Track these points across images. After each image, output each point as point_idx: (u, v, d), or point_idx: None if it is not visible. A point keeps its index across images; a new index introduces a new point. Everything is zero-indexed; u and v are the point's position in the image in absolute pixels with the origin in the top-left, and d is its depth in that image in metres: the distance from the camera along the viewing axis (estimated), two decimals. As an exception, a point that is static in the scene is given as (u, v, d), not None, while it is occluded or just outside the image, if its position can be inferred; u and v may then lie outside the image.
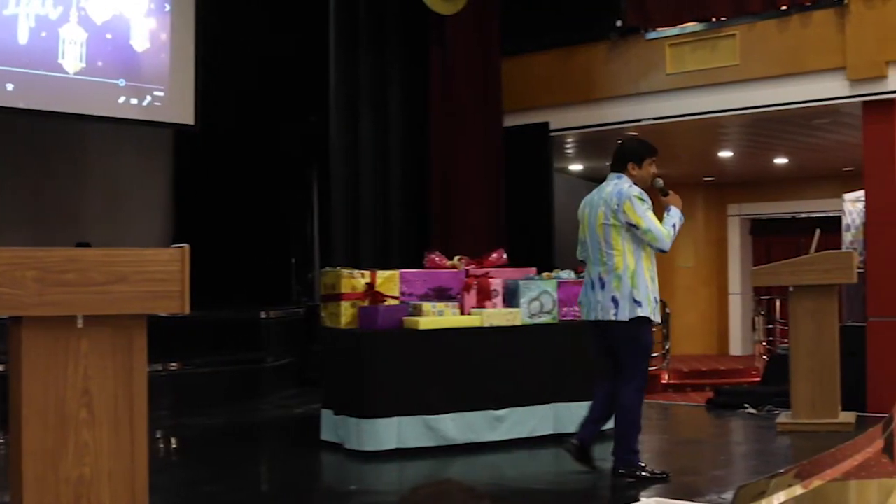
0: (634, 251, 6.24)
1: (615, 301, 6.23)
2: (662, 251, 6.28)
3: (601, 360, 6.54)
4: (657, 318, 6.35)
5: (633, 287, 6.20)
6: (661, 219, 6.30)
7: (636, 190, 6.29)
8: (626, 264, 6.22)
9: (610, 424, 6.68)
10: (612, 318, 6.24)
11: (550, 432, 7.81)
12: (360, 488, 6.67)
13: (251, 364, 10.41)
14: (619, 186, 6.33)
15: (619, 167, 6.45)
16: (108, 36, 10.55)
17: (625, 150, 6.53)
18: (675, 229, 6.30)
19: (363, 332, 7.48)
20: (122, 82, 10.61)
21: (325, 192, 11.58)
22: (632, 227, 6.22)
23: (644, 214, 6.19)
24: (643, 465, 6.45)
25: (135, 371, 3.96)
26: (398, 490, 6.74)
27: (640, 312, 6.21)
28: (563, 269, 8.35)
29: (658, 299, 6.36)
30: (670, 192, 6.48)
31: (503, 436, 7.62)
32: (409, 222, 11.29)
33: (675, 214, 6.37)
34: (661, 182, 6.50)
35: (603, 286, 6.29)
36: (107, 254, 3.92)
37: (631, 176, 6.40)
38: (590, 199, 6.49)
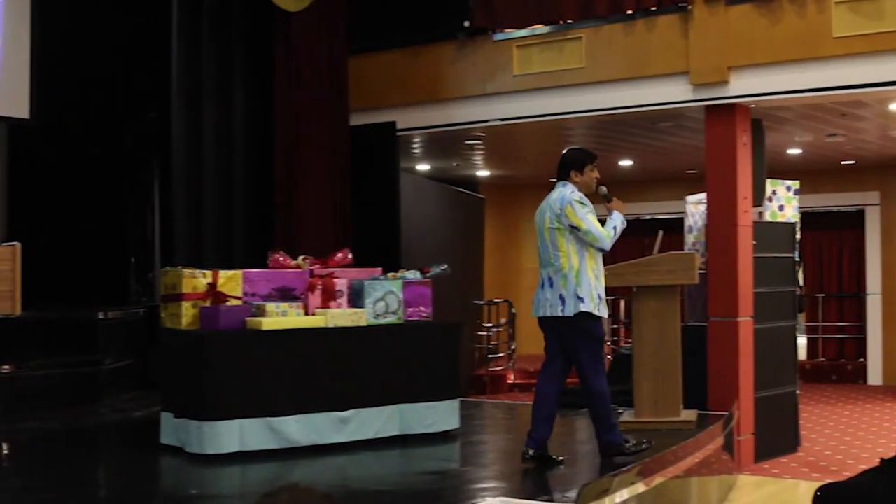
0: (578, 251, 6.76)
1: (562, 298, 6.75)
2: (603, 250, 6.82)
3: (552, 357, 6.99)
4: (602, 314, 6.81)
5: (577, 285, 6.72)
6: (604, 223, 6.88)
7: (577, 195, 6.80)
8: (570, 264, 6.74)
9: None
10: (560, 314, 6.76)
11: (396, 433, 7.77)
12: (200, 493, 6.51)
13: (88, 366, 10.05)
14: (563, 193, 6.86)
15: (563, 175, 6.97)
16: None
17: (566, 160, 7.02)
18: (615, 231, 6.88)
19: (204, 332, 7.31)
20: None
21: (167, 190, 11.28)
22: (574, 230, 6.74)
23: (584, 217, 6.73)
24: (627, 440, 7.01)
25: (-41, 373, 3.78)
26: (240, 494, 6.62)
27: (583, 308, 6.71)
28: (409, 270, 8.29)
29: (602, 296, 6.83)
30: (614, 198, 7.08)
31: (348, 437, 7.53)
32: (253, 222, 11.09)
33: (616, 218, 6.97)
34: (604, 189, 7.12)
35: (552, 285, 6.80)
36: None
37: (574, 183, 6.93)
38: (541, 206, 6.98)
